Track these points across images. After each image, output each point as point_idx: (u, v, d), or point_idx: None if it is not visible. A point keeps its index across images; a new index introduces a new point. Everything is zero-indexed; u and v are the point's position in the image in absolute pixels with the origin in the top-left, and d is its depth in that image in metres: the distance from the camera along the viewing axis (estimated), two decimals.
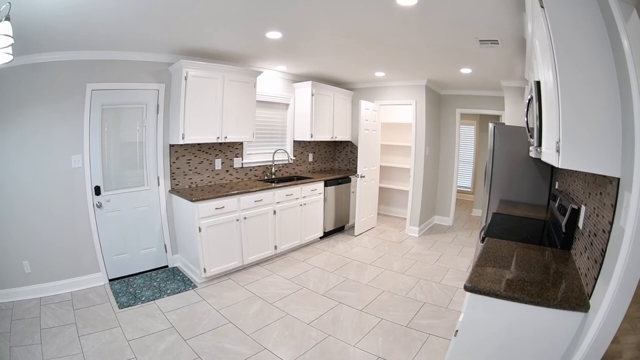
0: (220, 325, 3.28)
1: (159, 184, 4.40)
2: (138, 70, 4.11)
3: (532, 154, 2.66)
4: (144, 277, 4.24)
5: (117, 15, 2.84)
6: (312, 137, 5.84)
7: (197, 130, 4.24)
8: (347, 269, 4.67)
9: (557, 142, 1.45)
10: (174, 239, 4.60)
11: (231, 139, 4.64)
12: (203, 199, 3.99)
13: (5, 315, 3.28)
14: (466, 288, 1.76)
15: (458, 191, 7.44)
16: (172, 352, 2.85)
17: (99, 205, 3.99)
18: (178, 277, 4.26)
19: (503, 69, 4.47)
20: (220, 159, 4.98)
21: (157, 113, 4.30)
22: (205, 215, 4.02)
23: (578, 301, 1.59)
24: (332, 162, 7.27)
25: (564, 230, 2.29)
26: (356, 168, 6.57)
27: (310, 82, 5.73)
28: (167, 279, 4.21)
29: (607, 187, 1.64)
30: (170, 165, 4.46)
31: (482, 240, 2.67)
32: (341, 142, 7.17)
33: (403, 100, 6.24)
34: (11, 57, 2.21)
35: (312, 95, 5.75)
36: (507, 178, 4.04)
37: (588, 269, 1.74)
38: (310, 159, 6.62)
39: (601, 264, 1.56)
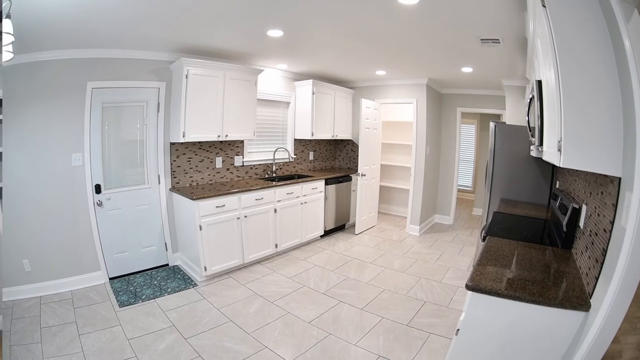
0: (220, 323, 3.28)
1: (159, 182, 4.40)
2: (139, 68, 4.11)
3: (533, 153, 2.65)
4: (145, 276, 4.25)
5: (119, 13, 2.84)
6: (312, 135, 5.84)
7: (197, 128, 4.24)
8: (347, 267, 4.68)
9: (559, 142, 1.45)
10: (175, 238, 4.60)
11: (232, 137, 4.64)
12: (204, 197, 3.99)
13: (6, 314, 3.28)
14: (468, 287, 1.76)
15: (459, 190, 7.44)
16: (173, 350, 2.85)
17: (100, 204, 3.99)
18: (178, 276, 4.27)
19: (504, 68, 4.47)
20: (221, 157, 4.98)
21: (158, 111, 4.30)
22: (206, 214, 4.03)
23: (579, 300, 1.59)
24: (333, 160, 7.26)
25: (565, 229, 2.29)
26: (357, 166, 6.57)
27: (311, 80, 5.73)
28: (167, 278, 4.21)
29: (609, 187, 1.64)
30: (171, 164, 4.46)
31: (483, 239, 2.67)
32: (342, 140, 7.17)
33: (404, 98, 6.23)
34: (12, 55, 2.21)
35: (313, 93, 5.74)
36: (508, 177, 4.04)
37: (589, 268, 1.74)
38: (311, 157, 6.62)
39: (602, 264, 1.56)
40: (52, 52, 3.54)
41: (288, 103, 6.01)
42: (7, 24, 1.97)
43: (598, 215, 1.78)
